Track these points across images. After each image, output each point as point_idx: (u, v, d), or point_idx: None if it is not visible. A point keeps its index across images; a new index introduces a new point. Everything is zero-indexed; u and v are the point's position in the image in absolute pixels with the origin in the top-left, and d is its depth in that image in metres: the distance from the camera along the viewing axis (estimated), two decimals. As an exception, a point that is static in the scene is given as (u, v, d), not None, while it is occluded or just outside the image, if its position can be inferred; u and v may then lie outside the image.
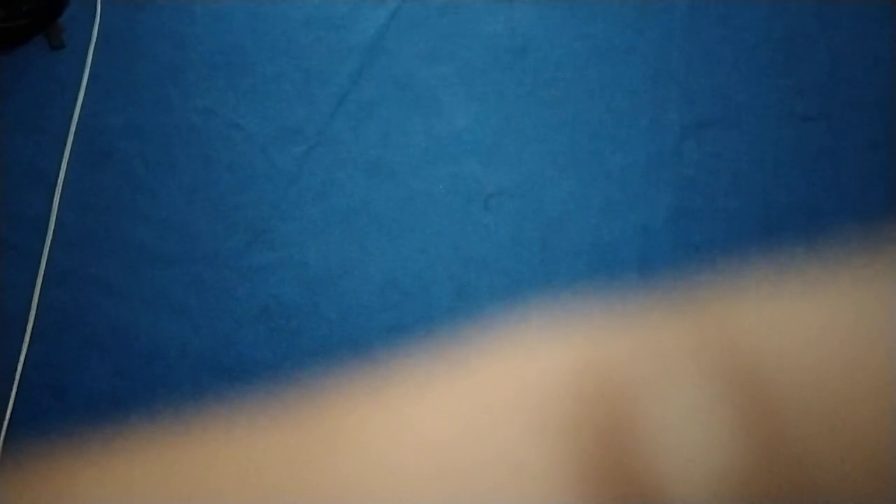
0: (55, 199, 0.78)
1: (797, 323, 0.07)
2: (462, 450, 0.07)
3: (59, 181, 0.78)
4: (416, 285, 0.79)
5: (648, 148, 0.89)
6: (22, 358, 0.72)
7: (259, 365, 0.75)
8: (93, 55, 0.82)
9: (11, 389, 0.70)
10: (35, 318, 0.74)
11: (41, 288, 0.75)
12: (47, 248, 0.76)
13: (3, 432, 0.69)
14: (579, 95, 0.88)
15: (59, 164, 0.78)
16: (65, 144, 0.79)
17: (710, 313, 0.07)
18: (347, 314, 0.78)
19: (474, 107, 0.87)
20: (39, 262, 0.75)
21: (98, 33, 0.83)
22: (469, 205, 0.84)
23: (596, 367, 0.07)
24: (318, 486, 0.07)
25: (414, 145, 0.87)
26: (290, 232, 0.81)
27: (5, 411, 0.70)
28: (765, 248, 0.81)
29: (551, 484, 0.07)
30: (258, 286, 0.78)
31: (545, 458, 0.07)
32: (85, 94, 0.81)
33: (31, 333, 0.73)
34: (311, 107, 0.86)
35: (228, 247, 0.80)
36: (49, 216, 0.77)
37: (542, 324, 0.08)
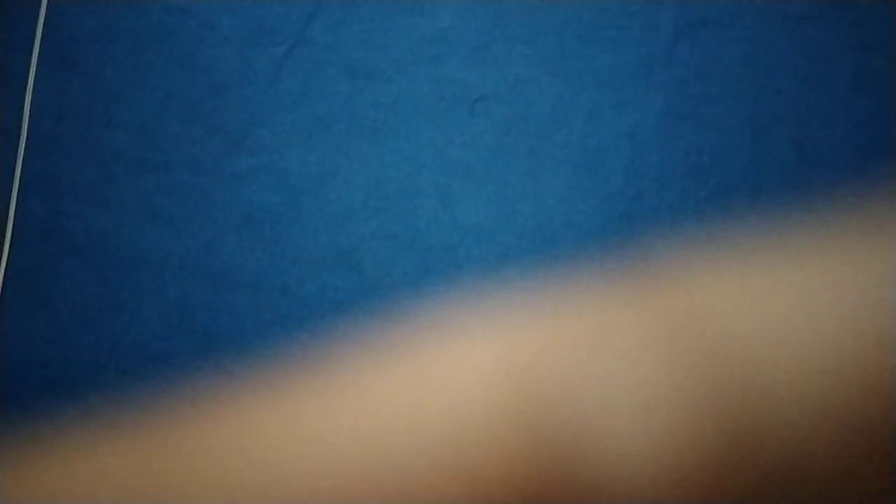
0: (25, 106, 0.77)
1: (769, 300, 0.07)
2: (402, 440, 0.07)
3: (28, 88, 0.77)
4: (400, 192, 0.80)
5: (639, 49, 0.88)
6: (3, 267, 0.72)
7: (243, 271, 0.76)
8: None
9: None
10: (14, 227, 0.74)
11: (17, 196, 0.75)
12: (21, 157, 0.75)
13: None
14: (569, -6, 0.87)
15: (28, 70, 0.77)
16: (31, 51, 0.78)
17: (676, 292, 0.07)
18: (331, 221, 0.78)
19: (460, 5, 0.86)
20: (14, 171, 0.75)
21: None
22: (454, 109, 0.84)
23: (525, 356, 0.07)
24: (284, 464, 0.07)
25: (396, 46, 0.86)
26: (270, 137, 0.81)
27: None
28: (753, 159, 0.81)
29: (498, 476, 0.07)
30: (239, 193, 0.79)
31: (492, 448, 0.07)
32: (51, -9, 0.79)
33: (11, 243, 0.73)
34: (289, 5, 0.84)
35: (207, 153, 0.80)
36: (21, 123, 0.76)
37: (495, 307, 0.07)
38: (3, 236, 0.73)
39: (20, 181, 0.75)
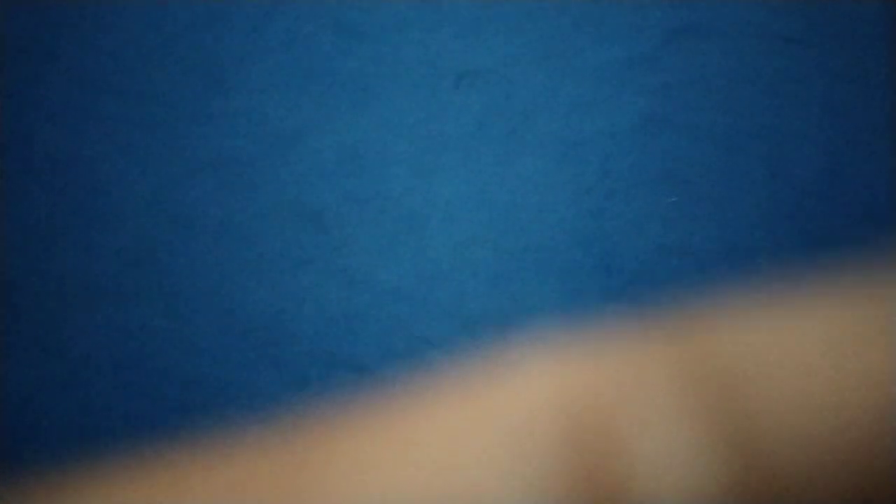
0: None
1: (787, 344, 0.07)
2: (445, 474, 0.07)
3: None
4: (375, 157, 0.80)
5: (629, 47, 0.90)
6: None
7: (207, 217, 0.75)
8: None
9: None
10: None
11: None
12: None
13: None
14: (569, -18, 0.87)
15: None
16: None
17: (693, 335, 0.07)
18: (302, 177, 0.78)
19: (459, -23, 0.86)
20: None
21: None
22: (439, 81, 0.84)
23: (577, 393, 0.07)
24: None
25: (388, 8, 0.85)
26: (248, 82, 0.80)
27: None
28: (724, 172, 0.83)
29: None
30: (211, 134, 0.78)
31: (524, 485, 0.07)
32: None
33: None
34: (287, -50, 0.83)
35: (182, 89, 0.79)
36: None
37: (522, 350, 0.08)
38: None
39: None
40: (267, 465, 0.07)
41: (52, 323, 0.70)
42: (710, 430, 0.07)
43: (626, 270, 0.75)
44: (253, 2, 0.82)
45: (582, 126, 0.83)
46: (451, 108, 0.82)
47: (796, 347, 0.07)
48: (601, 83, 0.85)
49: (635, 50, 0.86)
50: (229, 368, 0.70)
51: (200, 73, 0.79)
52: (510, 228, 0.77)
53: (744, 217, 0.80)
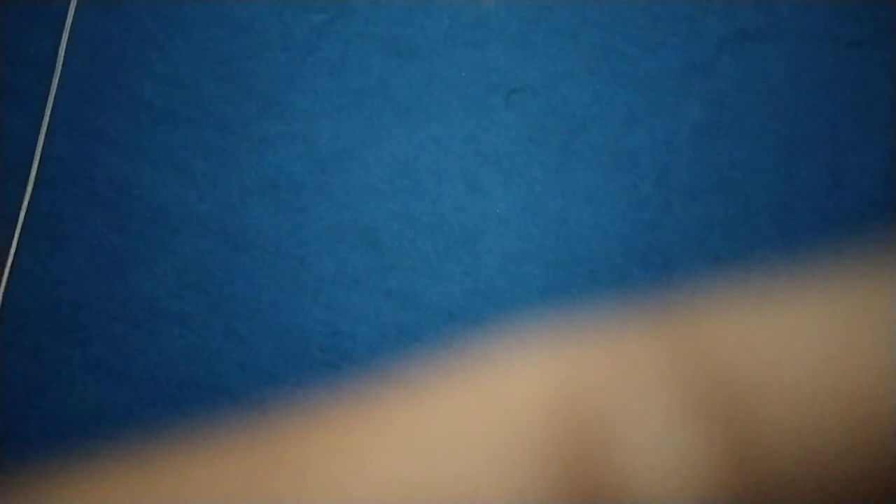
0: (62, 43, 0.77)
1: (781, 337, 0.07)
2: (436, 465, 0.07)
3: (66, 25, 0.78)
4: (427, 175, 0.80)
5: (682, 56, 0.89)
6: (25, 205, 0.73)
7: (263, 237, 0.76)
8: None
9: (13, 237, 0.72)
10: (38, 167, 0.75)
11: (45, 136, 0.75)
12: (52, 96, 0.76)
13: (5, 280, 0.71)
14: (619, -7, 0.87)
15: (67, 7, 0.78)
16: (74, -14, 0.79)
17: (686, 329, 0.07)
18: (355, 196, 0.79)
19: (507, -7, 0.86)
20: (44, 109, 0.76)
21: None
22: (489, 97, 0.85)
23: (570, 386, 0.07)
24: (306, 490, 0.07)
25: (437, 26, 0.86)
26: (302, 105, 0.82)
27: (6, 259, 0.72)
28: (785, 180, 0.82)
29: (532, 498, 0.07)
30: (267, 157, 0.79)
31: (520, 477, 0.07)
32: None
33: (34, 182, 0.74)
34: (336, -26, 0.84)
35: (238, 113, 0.81)
36: (55, 61, 0.77)
37: (519, 343, 0.08)
38: (28, 175, 0.74)
39: (49, 121, 0.76)
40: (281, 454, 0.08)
41: (117, 345, 0.72)
42: (703, 423, 0.07)
43: (684, 283, 0.74)
44: (304, 28, 0.84)
45: (636, 136, 0.82)
46: (502, 124, 0.82)
47: (794, 340, 0.07)
48: (654, 92, 0.84)
49: (689, 58, 0.85)
50: (286, 388, 0.71)
51: (254, 98, 0.81)
52: (563, 242, 0.77)
53: (807, 226, 0.78)
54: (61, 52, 0.78)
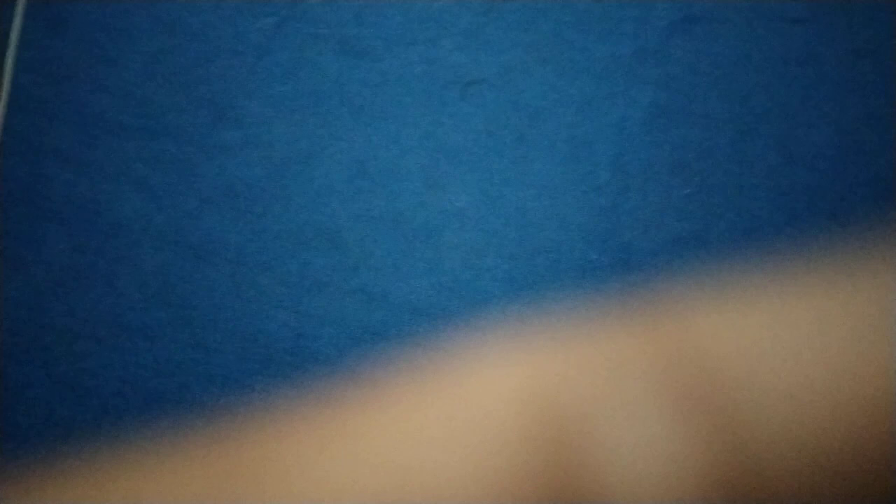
0: (7, 64, 0.77)
1: (766, 329, 0.07)
2: (410, 469, 0.07)
3: (11, 42, 0.77)
4: (386, 174, 0.81)
5: (634, 42, 0.90)
6: (-21, 227, 0.73)
7: (225, 245, 0.76)
8: None
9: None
10: (-9, 187, 0.74)
11: (-3, 156, 0.75)
12: (2, 116, 0.75)
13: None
14: (566, -17, 0.88)
15: (11, 25, 0.77)
16: (14, 7, 0.78)
17: (665, 322, 0.07)
18: (315, 199, 0.79)
19: (456, -12, 0.86)
20: (-6, 129, 0.75)
21: None
22: (445, 92, 0.85)
23: (545, 384, 0.07)
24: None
25: (389, 25, 0.86)
26: (256, 110, 0.82)
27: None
28: (738, 159, 0.83)
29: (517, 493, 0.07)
30: (224, 165, 0.79)
31: (494, 478, 0.07)
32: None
33: (-12, 202, 0.73)
34: (284, -23, 0.84)
35: (192, 122, 0.80)
36: (2, 79, 0.76)
37: (488, 337, 0.08)
38: (-19, 196, 0.73)
39: (1, 141, 0.75)
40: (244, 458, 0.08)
41: (81, 363, 0.72)
42: (690, 421, 0.07)
43: (643, 266, 0.75)
44: (255, 32, 0.83)
45: (591, 123, 0.83)
46: (459, 118, 0.82)
47: (785, 333, 0.07)
48: (607, 79, 0.85)
49: (640, 44, 0.87)
50: (255, 395, 0.71)
51: (208, 105, 0.81)
52: (524, 233, 0.78)
53: (761, 203, 0.80)
54: (8, 70, 0.77)
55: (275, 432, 0.08)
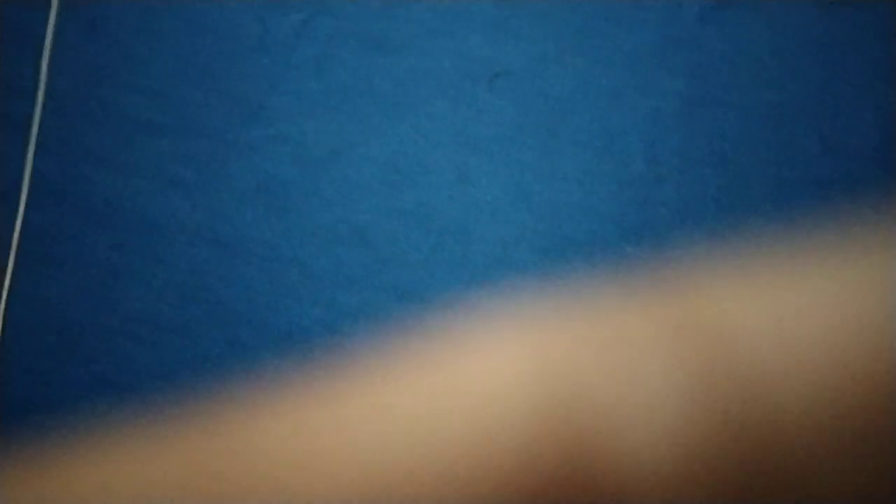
0: (43, 65, 0.78)
1: (781, 304, 0.07)
2: (426, 443, 0.07)
3: (46, 45, 0.78)
4: (416, 168, 0.81)
5: (664, 30, 0.89)
6: (18, 227, 0.74)
7: (256, 242, 0.77)
8: None
9: (9, 261, 0.73)
10: (29, 188, 0.75)
11: (33, 158, 0.76)
12: (38, 117, 0.77)
13: (4, 299, 0.72)
14: (595, -28, 0.87)
15: (46, 28, 0.78)
16: (49, 9, 0.79)
17: (681, 298, 0.07)
18: (346, 194, 0.80)
19: (483, -20, 0.86)
20: (30, 130, 0.77)
21: None
22: (473, 85, 0.85)
23: (562, 359, 0.07)
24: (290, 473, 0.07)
25: (416, 19, 0.86)
26: (286, 107, 0.82)
27: (3, 281, 0.73)
28: (775, 148, 0.82)
29: (515, 483, 0.07)
30: (254, 162, 0.80)
31: (508, 456, 0.07)
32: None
33: (26, 204, 0.75)
34: (311, -27, 0.85)
35: (223, 120, 0.81)
36: (38, 82, 0.77)
37: (506, 316, 0.08)
38: (19, 197, 0.74)
39: (36, 142, 0.77)
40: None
41: (120, 361, 0.73)
42: (700, 397, 0.07)
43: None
44: (283, 28, 0.84)
45: (622, 114, 0.82)
46: (487, 111, 0.82)
47: (795, 305, 0.07)
48: (638, 69, 0.84)
49: (671, 32, 0.86)
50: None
51: (239, 103, 0.81)
52: (555, 226, 0.77)
53: (799, 193, 0.79)
54: (43, 73, 0.78)
55: (304, 423, 0.08)
